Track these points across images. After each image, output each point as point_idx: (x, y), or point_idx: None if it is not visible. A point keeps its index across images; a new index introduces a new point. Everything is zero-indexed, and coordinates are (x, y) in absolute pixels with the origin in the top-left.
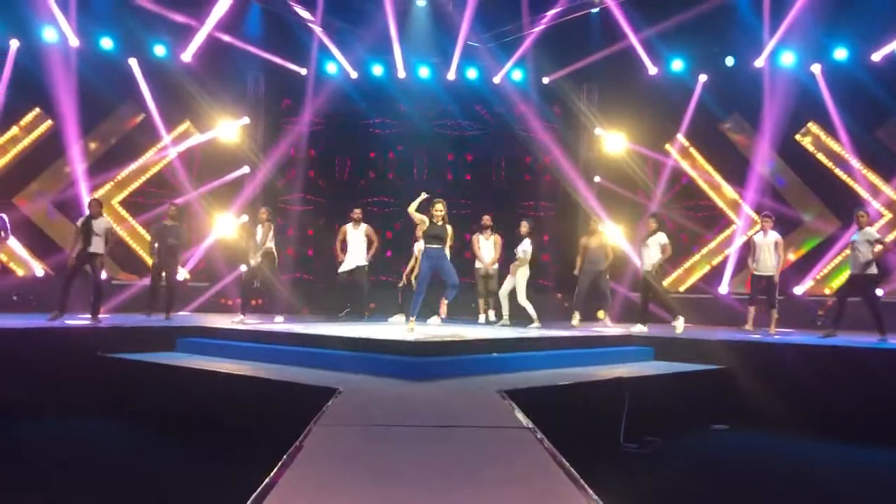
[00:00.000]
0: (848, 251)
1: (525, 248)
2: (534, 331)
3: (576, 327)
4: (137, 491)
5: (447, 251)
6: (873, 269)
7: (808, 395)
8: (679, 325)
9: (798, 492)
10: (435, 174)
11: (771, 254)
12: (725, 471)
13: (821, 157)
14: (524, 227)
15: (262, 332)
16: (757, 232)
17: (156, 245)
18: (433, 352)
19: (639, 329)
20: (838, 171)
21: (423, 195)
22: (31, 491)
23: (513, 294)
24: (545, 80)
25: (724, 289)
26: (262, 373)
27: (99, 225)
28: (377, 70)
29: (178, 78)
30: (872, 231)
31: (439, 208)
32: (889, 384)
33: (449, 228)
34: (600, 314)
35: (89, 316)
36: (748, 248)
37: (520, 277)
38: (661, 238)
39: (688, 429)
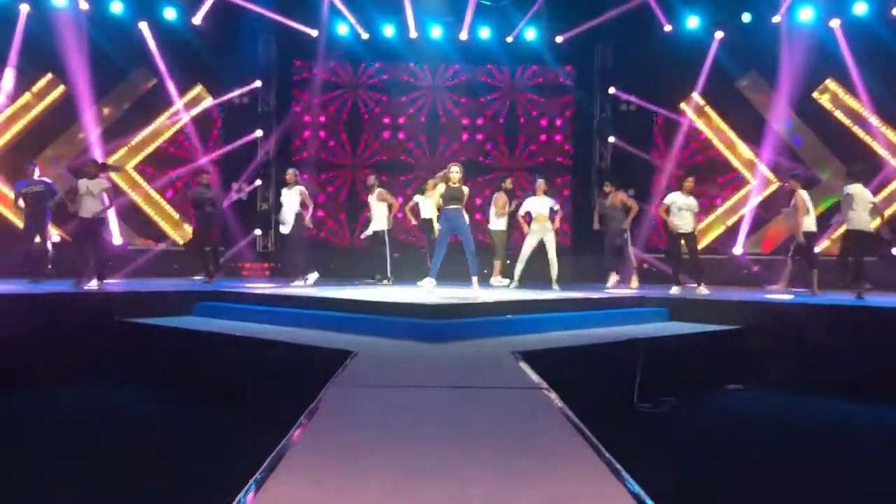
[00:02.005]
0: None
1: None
2: (547, 292)
3: (609, 288)
4: (157, 452)
5: (463, 212)
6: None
7: (823, 354)
8: (701, 289)
9: (813, 451)
10: (447, 135)
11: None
12: (740, 431)
13: (839, 114)
14: (542, 185)
15: (278, 295)
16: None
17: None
18: (448, 314)
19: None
20: (856, 129)
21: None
22: (54, 453)
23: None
24: (558, 39)
25: (738, 249)
26: (279, 335)
27: (95, 186)
28: (388, 30)
29: (189, 42)
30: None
31: (456, 170)
32: None
33: (465, 189)
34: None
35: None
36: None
37: (552, 237)
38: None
39: (702, 389)
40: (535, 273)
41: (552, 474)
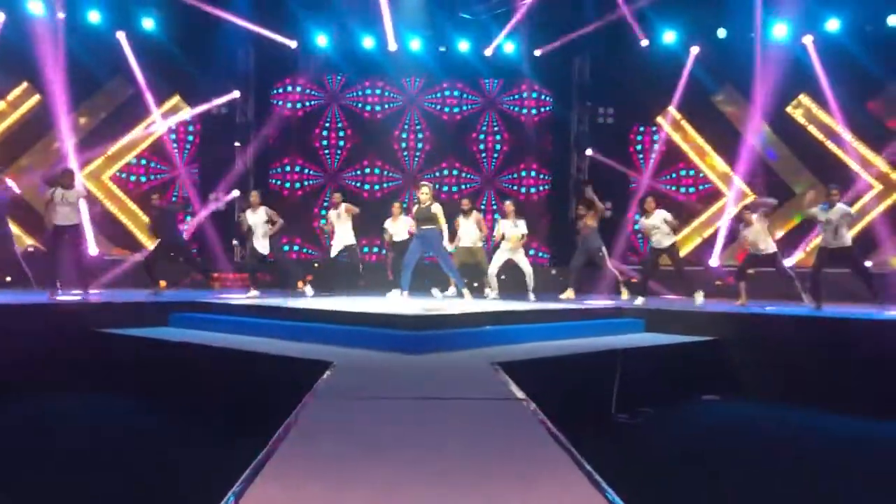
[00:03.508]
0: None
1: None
2: (525, 303)
3: (563, 301)
4: (132, 466)
5: (442, 232)
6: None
7: (798, 365)
8: (698, 298)
9: (787, 461)
10: (425, 148)
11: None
12: (716, 441)
13: (812, 129)
14: (510, 207)
15: (255, 306)
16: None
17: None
18: (427, 325)
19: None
20: (829, 144)
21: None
22: (30, 467)
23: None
24: (537, 53)
25: (714, 261)
26: (256, 347)
27: (72, 195)
28: (368, 42)
29: (167, 52)
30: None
31: (424, 191)
32: (876, 355)
33: (435, 208)
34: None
35: (80, 291)
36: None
37: (522, 256)
38: (665, 214)
39: (679, 399)
40: (512, 284)
41: (532, 486)
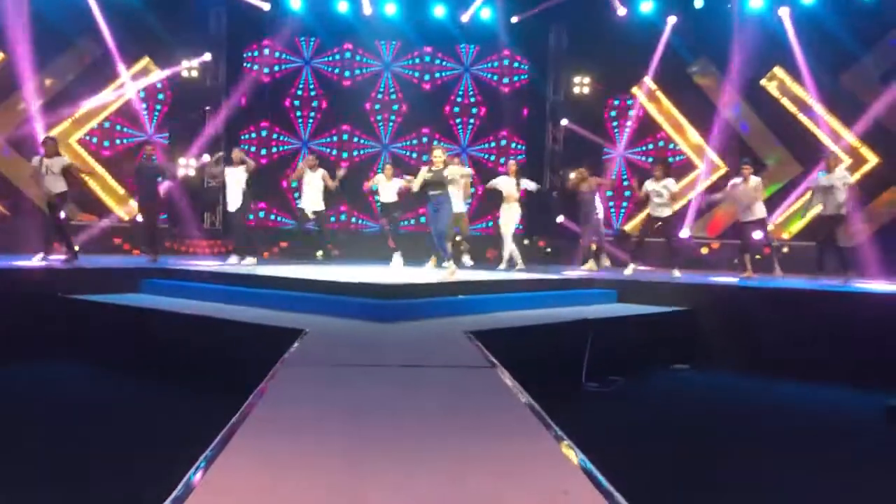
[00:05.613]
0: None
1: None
2: (499, 272)
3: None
4: (102, 433)
5: (451, 196)
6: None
7: (767, 336)
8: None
9: (755, 429)
10: (401, 114)
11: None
12: (685, 410)
13: (785, 102)
14: (513, 166)
15: (228, 273)
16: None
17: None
18: (400, 294)
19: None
20: (801, 117)
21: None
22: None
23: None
24: (514, 20)
25: (685, 233)
26: (228, 314)
27: (55, 164)
28: (342, 6)
29: (136, 12)
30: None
31: (438, 154)
32: (846, 325)
33: (452, 170)
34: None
35: (63, 257)
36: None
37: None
38: (672, 185)
39: (649, 369)
40: (482, 253)
41: (504, 451)
